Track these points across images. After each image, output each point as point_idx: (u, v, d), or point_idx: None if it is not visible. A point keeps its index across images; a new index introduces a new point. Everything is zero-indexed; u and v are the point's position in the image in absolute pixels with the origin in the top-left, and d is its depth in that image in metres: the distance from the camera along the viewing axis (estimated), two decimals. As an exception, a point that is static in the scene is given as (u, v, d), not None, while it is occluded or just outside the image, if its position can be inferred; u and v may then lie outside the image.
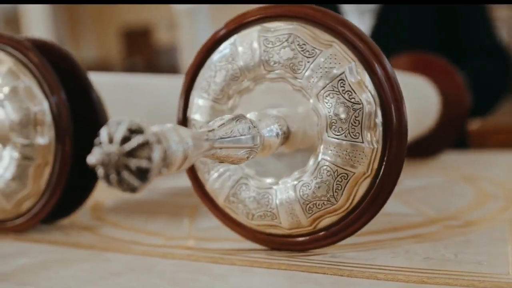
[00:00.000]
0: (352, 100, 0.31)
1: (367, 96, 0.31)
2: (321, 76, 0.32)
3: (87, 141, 0.43)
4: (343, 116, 0.32)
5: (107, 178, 0.22)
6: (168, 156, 0.22)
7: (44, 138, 0.41)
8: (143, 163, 0.21)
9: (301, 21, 0.33)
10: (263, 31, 0.34)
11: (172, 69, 5.08)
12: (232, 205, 0.36)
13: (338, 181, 0.32)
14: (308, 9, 0.33)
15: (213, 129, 0.27)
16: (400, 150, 0.32)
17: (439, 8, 0.95)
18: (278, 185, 0.35)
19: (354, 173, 0.32)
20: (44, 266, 0.36)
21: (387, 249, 0.35)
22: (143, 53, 6.66)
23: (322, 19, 0.33)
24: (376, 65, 0.32)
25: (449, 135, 0.73)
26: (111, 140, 0.21)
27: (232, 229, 0.37)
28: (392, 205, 0.45)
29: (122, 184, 0.21)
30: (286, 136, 0.33)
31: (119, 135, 0.21)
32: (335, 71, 0.32)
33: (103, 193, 0.46)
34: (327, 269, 0.32)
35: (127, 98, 0.51)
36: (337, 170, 0.32)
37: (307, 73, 0.32)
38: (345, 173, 0.32)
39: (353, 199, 0.33)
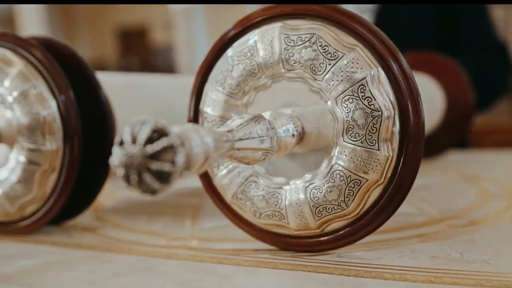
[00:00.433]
0: (372, 106, 0.31)
1: (387, 103, 0.31)
2: (341, 80, 0.31)
3: (95, 142, 0.43)
4: (361, 122, 0.31)
5: (127, 179, 0.21)
6: (190, 158, 0.22)
7: (52, 144, 0.40)
8: (166, 167, 0.21)
9: (324, 21, 0.33)
10: (285, 28, 0.33)
11: (168, 69, 5.07)
12: (240, 202, 0.36)
13: (350, 186, 0.32)
14: (332, 10, 0.32)
15: (232, 130, 0.26)
16: (415, 156, 0.31)
17: (439, 7, 0.95)
18: (289, 185, 0.34)
19: (367, 180, 0.32)
20: (47, 267, 0.36)
21: (392, 249, 0.35)
22: (139, 53, 6.64)
23: (347, 21, 0.32)
24: (399, 74, 0.31)
25: (453, 135, 0.73)
26: (134, 141, 0.21)
27: (237, 226, 0.37)
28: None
29: (142, 186, 0.21)
30: (301, 137, 0.32)
31: (143, 136, 0.21)
32: (356, 75, 0.31)
33: (104, 194, 0.45)
34: (333, 269, 0.32)
35: (131, 98, 0.51)
36: (350, 175, 0.32)
37: (327, 76, 0.32)
38: (358, 179, 0.32)
39: (363, 206, 0.32)
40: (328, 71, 0.32)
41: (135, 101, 0.51)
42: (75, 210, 0.45)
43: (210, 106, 0.36)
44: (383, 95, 0.31)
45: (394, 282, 0.30)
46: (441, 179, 0.61)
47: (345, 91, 0.31)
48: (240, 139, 0.26)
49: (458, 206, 0.47)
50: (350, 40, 0.32)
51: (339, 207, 0.33)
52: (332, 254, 0.35)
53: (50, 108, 0.40)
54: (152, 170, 0.21)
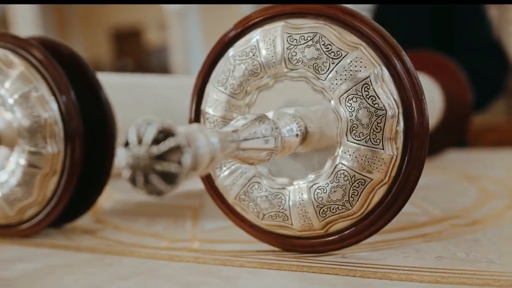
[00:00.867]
0: (376, 105, 0.31)
1: (391, 102, 0.31)
2: (345, 79, 0.31)
3: (96, 143, 0.42)
4: (365, 121, 0.31)
5: (133, 180, 0.21)
6: (197, 159, 0.21)
7: (53, 146, 0.39)
8: (173, 168, 0.20)
9: (327, 20, 0.32)
10: (287, 27, 0.33)
11: (162, 70, 5.06)
12: (243, 203, 0.35)
13: (355, 186, 0.32)
14: (335, 10, 0.32)
15: (237, 130, 0.26)
16: (420, 155, 0.31)
17: (436, 7, 0.96)
18: (292, 186, 0.34)
19: (372, 179, 0.31)
20: (47, 271, 0.35)
21: (397, 249, 0.35)
22: (133, 54, 6.63)
23: (350, 20, 0.32)
24: (403, 73, 0.31)
25: (452, 134, 0.73)
26: (140, 141, 0.20)
27: (240, 227, 0.37)
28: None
29: (149, 187, 0.21)
30: (304, 137, 0.32)
31: (149, 136, 0.20)
32: (360, 74, 0.31)
33: (102, 195, 0.45)
34: (338, 270, 0.32)
35: (130, 98, 0.50)
36: (354, 175, 0.32)
37: (330, 75, 0.32)
38: (363, 179, 0.32)
39: (368, 205, 0.32)
40: (332, 70, 0.32)
41: (134, 101, 0.51)
42: (75, 213, 0.44)
43: (212, 106, 0.36)
44: (387, 94, 0.31)
45: (401, 283, 0.29)
46: (441, 179, 0.61)
47: (349, 90, 0.31)
48: (245, 139, 0.26)
49: (459, 205, 0.47)
50: (353, 38, 0.32)
51: (343, 207, 0.32)
52: (336, 255, 0.34)
53: (51, 110, 0.40)
54: (159, 171, 0.20)
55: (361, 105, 0.31)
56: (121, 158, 0.21)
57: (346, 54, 0.31)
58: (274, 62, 0.33)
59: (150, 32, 6.61)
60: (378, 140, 0.31)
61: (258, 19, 0.34)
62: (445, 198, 0.51)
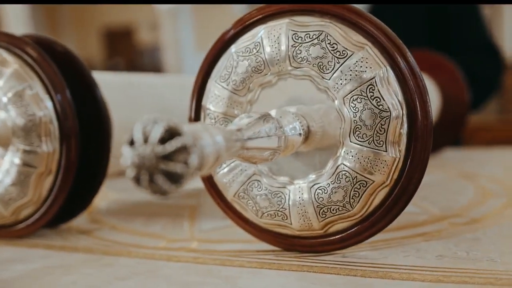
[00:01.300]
0: (380, 107, 0.30)
1: (395, 104, 0.31)
2: (350, 79, 0.31)
3: (91, 142, 0.42)
4: (369, 122, 0.31)
5: (137, 179, 0.20)
6: (202, 158, 0.21)
7: (48, 145, 0.39)
8: (179, 168, 0.20)
9: (333, 19, 0.32)
10: (292, 25, 0.32)
11: (154, 70, 5.03)
12: (242, 201, 0.35)
13: (356, 188, 0.32)
14: (341, 9, 0.32)
15: (241, 129, 0.26)
16: (423, 158, 0.31)
17: (432, 7, 0.96)
18: (293, 185, 0.34)
19: (374, 181, 0.31)
20: (45, 271, 0.35)
21: (397, 248, 0.35)
22: (125, 54, 6.59)
23: (356, 19, 0.31)
24: (408, 74, 0.31)
25: (450, 133, 0.73)
26: (145, 140, 0.20)
27: (238, 225, 0.36)
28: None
29: (153, 187, 0.20)
30: (306, 136, 0.32)
31: (155, 135, 0.20)
32: (365, 75, 0.31)
33: (97, 195, 0.44)
34: (339, 270, 0.31)
35: (126, 97, 0.50)
36: (356, 176, 0.31)
37: (335, 74, 0.31)
38: (364, 181, 0.31)
39: (368, 207, 0.32)
40: (337, 69, 0.31)
41: (130, 100, 0.50)
42: (71, 213, 0.44)
43: (213, 102, 0.35)
44: (392, 95, 0.31)
45: (402, 282, 0.29)
46: (439, 177, 0.61)
47: (354, 90, 0.31)
48: (250, 138, 0.26)
49: (458, 204, 0.47)
50: (359, 38, 0.31)
51: (344, 208, 0.32)
52: (336, 255, 0.34)
53: (46, 109, 0.39)
54: (164, 171, 0.20)
55: (366, 106, 0.31)
56: (126, 156, 0.20)
57: (352, 54, 0.31)
58: (278, 60, 0.33)
59: (142, 31, 6.57)
60: (381, 142, 0.31)
61: (261, 16, 0.34)
62: (443, 196, 0.51)
